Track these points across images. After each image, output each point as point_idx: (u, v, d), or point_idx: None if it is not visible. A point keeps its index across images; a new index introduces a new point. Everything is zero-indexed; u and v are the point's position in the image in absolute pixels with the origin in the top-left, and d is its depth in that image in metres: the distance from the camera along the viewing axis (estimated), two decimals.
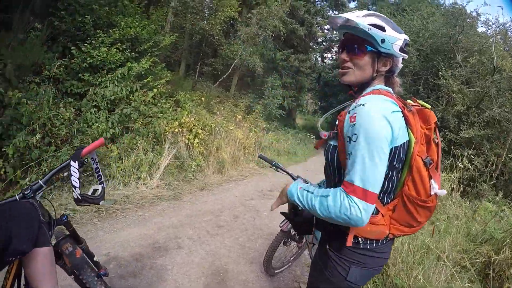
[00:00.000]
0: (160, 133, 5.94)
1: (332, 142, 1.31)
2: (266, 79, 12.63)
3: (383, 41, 1.21)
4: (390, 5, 22.18)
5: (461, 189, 5.11)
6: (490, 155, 8.17)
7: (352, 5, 30.21)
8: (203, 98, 8.53)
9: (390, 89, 1.32)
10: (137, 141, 5.53)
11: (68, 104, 5.07)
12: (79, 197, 1.51)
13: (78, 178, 1.52)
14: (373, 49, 1.24)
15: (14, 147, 3.81)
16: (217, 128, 7.67)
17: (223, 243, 3.73)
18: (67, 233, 1.78)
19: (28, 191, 1.52)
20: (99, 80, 5.54)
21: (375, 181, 1.09)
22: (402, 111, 1.19)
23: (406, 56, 1.28)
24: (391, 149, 1.15)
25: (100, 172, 1.80)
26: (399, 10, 17.35)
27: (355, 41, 1.27)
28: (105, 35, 5.83)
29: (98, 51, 5.55)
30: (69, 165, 1.52)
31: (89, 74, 5.48)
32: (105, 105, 5.44)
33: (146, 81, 6.19)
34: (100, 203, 1.64)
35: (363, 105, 1.12)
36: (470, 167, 5.99)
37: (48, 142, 4.43)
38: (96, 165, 1.79)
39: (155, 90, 6.25)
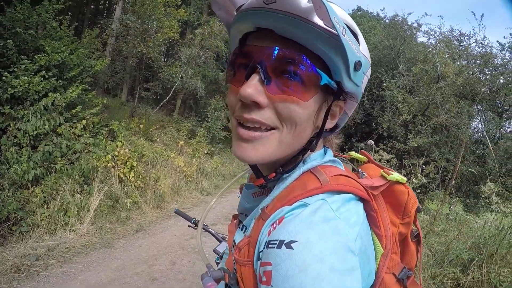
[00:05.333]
0: (88, 171, 5.42)
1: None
2: (209, 101, 12.51)
3: (357, 66, 0.57)
4: None
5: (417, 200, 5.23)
6: (440, 161, 7.96)
7: None
8: (141, 125, 8.16)
9: (339, 162, 0.69)
10: (63, 181, 5.03)
11: None
12: None
13: None
14: (331, 82, 0.56)
15: None
16: (155, 158, 7.35)
17: None
18: None
19: None
20: (22, 113, 5.00)
21: None
22: (365, 204, 0.59)
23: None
24: None
25: None
26: None
27: (293, 60, 0.54)
28: (30, 61, 5.31)
29: (20, 80, 5.02)
30: None
31: (9, 106, 4.93)
32: (28, 141, 4.93)
33: (74, 111, 5.71)
34: None
35: (289, 245, 0.47)
36: (425, 180, 5.79)
37: None
38: None
39: (84, 121, 5.79)
